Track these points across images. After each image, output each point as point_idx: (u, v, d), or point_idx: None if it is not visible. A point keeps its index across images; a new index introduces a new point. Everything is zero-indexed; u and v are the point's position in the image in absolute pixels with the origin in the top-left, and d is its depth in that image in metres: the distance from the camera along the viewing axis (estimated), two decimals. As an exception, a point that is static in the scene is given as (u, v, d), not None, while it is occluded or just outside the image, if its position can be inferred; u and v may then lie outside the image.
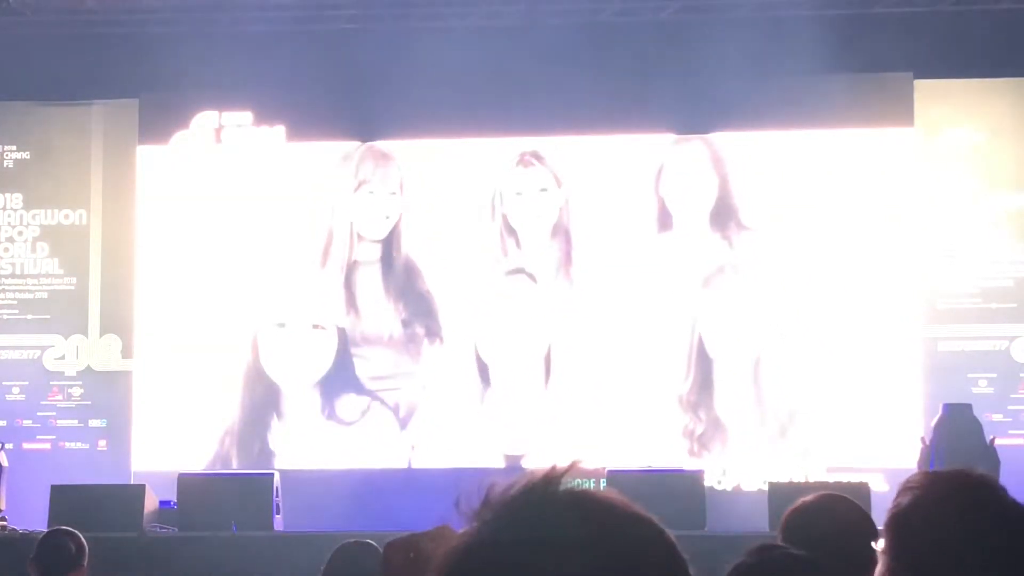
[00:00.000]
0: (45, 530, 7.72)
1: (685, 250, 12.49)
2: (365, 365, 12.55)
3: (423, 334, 12.57)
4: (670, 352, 12.33)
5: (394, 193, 12.79)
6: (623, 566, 1.19)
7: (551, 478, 1.25)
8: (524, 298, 12.52)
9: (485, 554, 1.20)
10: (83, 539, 5.75)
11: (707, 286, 12.41)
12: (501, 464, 12.20)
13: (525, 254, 12.57)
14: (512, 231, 12.61)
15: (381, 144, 12.84)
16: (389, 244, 12.76)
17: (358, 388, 12.52)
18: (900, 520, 2.29)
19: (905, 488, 2.33)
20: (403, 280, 12.70)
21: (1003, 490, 2.32)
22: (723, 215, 12.52)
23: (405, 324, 12.61)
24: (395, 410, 12.46)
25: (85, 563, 5.65)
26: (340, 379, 12.56)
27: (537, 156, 12.70)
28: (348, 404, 12.50)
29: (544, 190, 12.67)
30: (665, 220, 12.56)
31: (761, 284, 12.36)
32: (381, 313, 12.68)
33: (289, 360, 12.59)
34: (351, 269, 12.78)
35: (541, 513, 1.21)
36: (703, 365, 12.31)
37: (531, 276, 12.52)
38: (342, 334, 12.61)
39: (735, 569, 2.11)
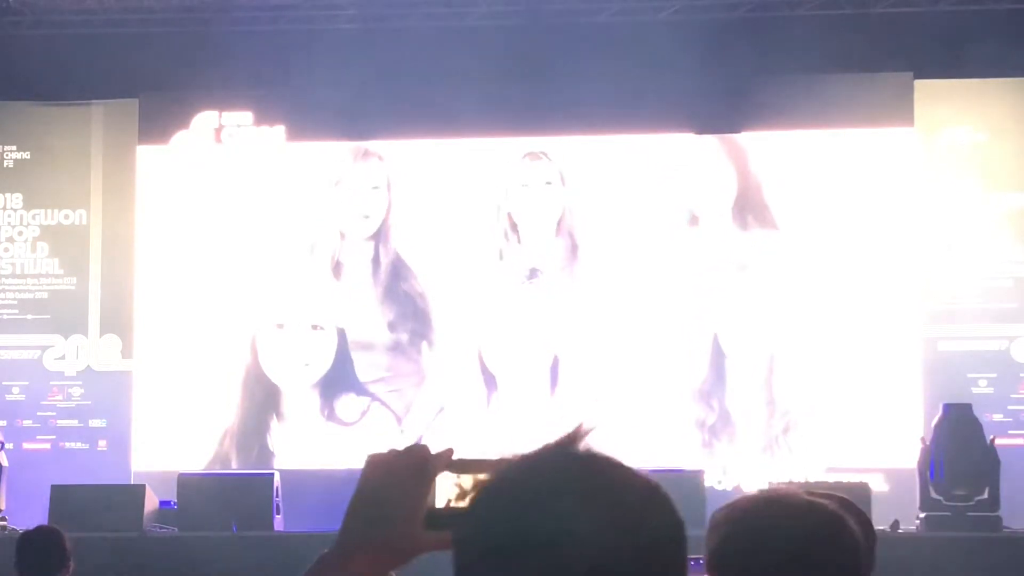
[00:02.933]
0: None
1: (682, 249, 12.49)
2: (365, 366, 12.55)
3: (425, 335, 12.57)
4: (683, 348, 12.31)
5: (376, 188, 12.78)
6: (623, 525, 1.28)
7: (572, 436, 1.36)
8: (531, 304, 12.51)
9: (493, 501, 1.31)
10: (65, 538, 5.69)
11: (717, 285, 12.39)
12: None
13: (526, 250, 12.57)
14: (515, 226, 12.62)
15: (374, 144, 12.85)
16: (385, 243, 12.76)
17: (358, 389, 12.52)
18: (717, 562, 2.24)
19: (712, 529, 2.28)
20: (403, 281, 12.70)
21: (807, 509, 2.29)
22: (743, 211, 12.50)
23: (405, 325, 12.61)
24: (396, 411, 12.46)
25: (67, 560, 5.59)
26: (340, 380, 12.55)
27: (544, 154, 12.71)
28: (348, 405, 12.49)
29: (549, 183, 12.67)
30: (671, 217, 12.56)
31: (760, 284, 12.35)
32: (382, 313, 12.68)
33: (288, 361, 12.59)
34: (349, 269, 12.78)
35: (553, 467, 1.32)
36: (717, 361, 12.29)
37: (537, 280, 12.52)
38: (342, 334, 12.61)
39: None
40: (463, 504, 1.55)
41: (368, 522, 1.57)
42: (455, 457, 1.62)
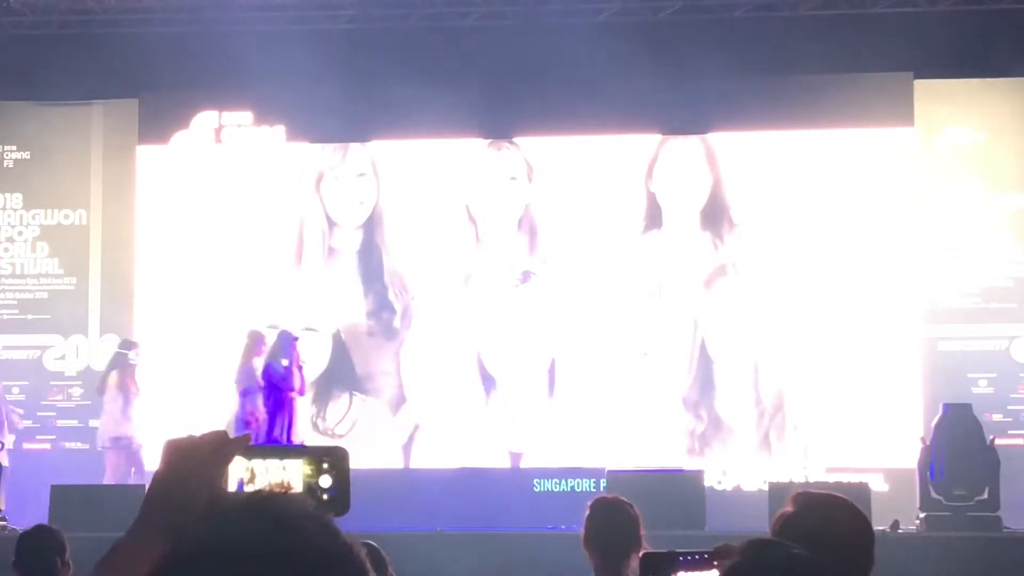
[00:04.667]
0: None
1: (677, 248, 12.50)
2: (362, 365, 12.56)
3: (417, 334, 12.58)
4: (669, 352, 12.33)
5: (363, 175, 12.83)
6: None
7: (270, 496, 1.37)
8: (524, 306, 12.52)
9: (191, 564, 1.31)
10: (64, 538, 5.69)
11: (708, 286, 12.41)
12: (506, 464, 12.22)
13: (485, 246, 12.61)
14: (473, 220, 12.68)
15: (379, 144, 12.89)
16: (371, 235, 12.78)
17: (351, 389, 12.53)
18: None
19: None
20: (398, 285, 12.72)
21: None
22: (718, 213, 12.52)
23: (401, 325, 12.62)
24: (393, 410, 12.46)
25: (66, 561, 5.59)
26: (335, 381, 12.57)
27: (513, 145, 12.74)
28: (341, 408, 12.50)
29: (513, 178, 12.72)
30: (656, 218, 12.57)
31: (762, 284, 12.36)
32: (379, 316, 12.69)
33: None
34: (344, 265, 12.80)
35: (244, 526, 1.32)
36: (704, 365, 12.32)
37: (529, 283, 12.53)
38: (336, 336, 12.64)
39: (733, 570, 2.10)
40: (250, 489, 1.62)
41: (165, 506, 1.60)
42: (251, 444, 1.66)
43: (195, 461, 1.62)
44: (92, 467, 12.26)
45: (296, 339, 11.58)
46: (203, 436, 1.66)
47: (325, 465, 1.64)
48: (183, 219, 12.91)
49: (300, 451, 1.66)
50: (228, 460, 1.63)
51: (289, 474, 1.63)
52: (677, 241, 12.50)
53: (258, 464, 1.64)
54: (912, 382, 12.10)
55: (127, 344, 12.33)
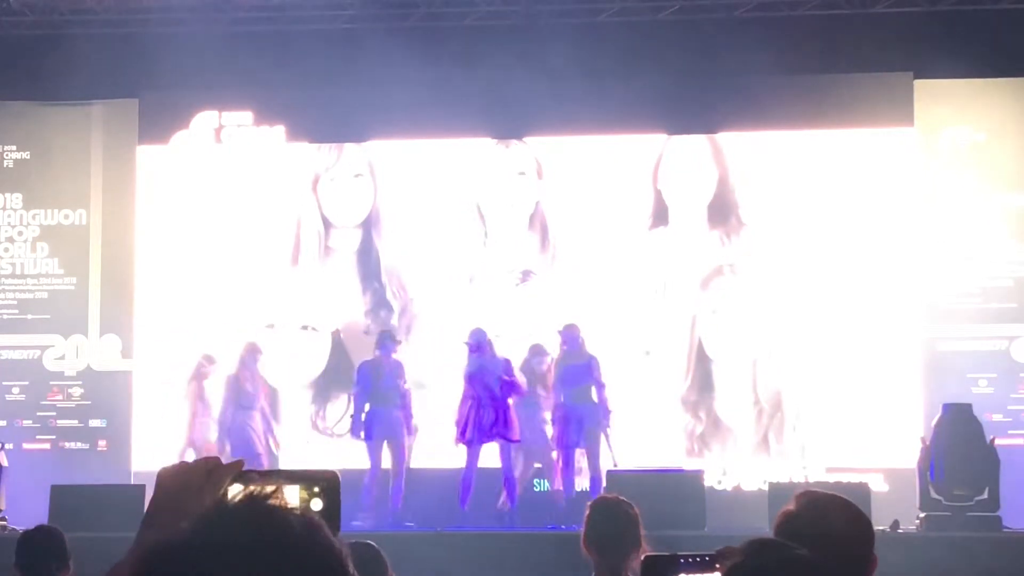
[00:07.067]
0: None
1: (683, 246, 12.50)
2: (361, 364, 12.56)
3: (418, 335, 12.57)
4: (670, 351, 12.33)
5: (359, 175, 12.84)
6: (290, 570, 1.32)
7: (253, 495, 1.39)
8: (525, 305, 12.52)
9: (177, 556, 1.33)
10: (64, 538, 5.69)
11: (706, 286, 12.41)
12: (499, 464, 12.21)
13: (493, 243, 12.61)
14: (482, 217, 12.68)
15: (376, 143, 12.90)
16: (369, 235, 12.77)
17: (350, 391, 12.53)
18: None
19: None
20: (399, 287, 12.71)
21: None
22: (721, 212, 12.52)
23: (397, 321, 12.62)
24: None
25: (67, 561, 5.59)
26: (333, 381, 12.56)
27: (519, 141, 12.76)
28: (342, 405, 12.49)
29: (522, 174, 12.72)
30: (662, 216, 12.57)
31: (761, 284, 12.36)
32: (377, 317, 12.68)
33: (282, 361, 12.60)
34: (343, 265, 12.79)
35: (228, 522, 1.34)
36: (703, 365, 12.32)
37: (529, 282, 12.53)
38: (336, 334, 12.63)
39: (733, 570, 2.10)
40: None
41: (161, 531, 1.58)
42: (244, 469, 1.67)
43: (188, 488, 1.62)
44: (92, 467, 12.27)
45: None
46: (195, 463, 1.66)
47: (316, 489, 1.66)
48: (183, 219, 12.91)
49: (296, 477, 1.67)
50: (221, 486, 1.64)
51: (288, 501, 1.65)
52: (683, 239, 12.49)
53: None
54: (912, 382, 12.10)
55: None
